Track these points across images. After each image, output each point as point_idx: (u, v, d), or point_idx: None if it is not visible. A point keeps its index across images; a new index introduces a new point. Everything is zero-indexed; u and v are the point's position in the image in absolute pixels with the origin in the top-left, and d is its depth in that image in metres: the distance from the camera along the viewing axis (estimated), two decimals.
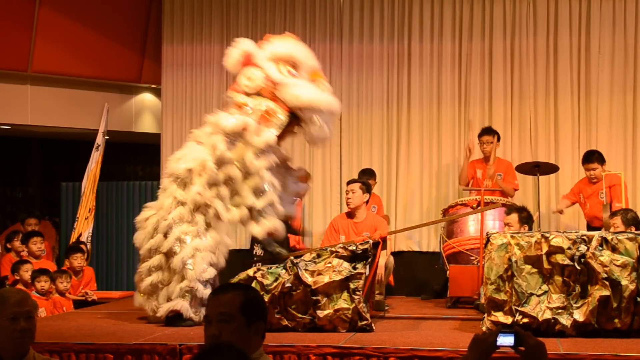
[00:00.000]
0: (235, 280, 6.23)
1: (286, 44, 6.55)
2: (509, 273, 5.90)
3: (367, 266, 6.27)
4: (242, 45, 6.62)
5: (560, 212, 8.87)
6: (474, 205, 8.10)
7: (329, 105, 6.50)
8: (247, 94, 6.49)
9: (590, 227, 8.37)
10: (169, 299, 6.37)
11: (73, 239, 9.66)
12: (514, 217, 7.07)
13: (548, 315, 5.81)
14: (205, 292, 6.31)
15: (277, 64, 6.49)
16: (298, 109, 6.42)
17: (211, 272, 6.42)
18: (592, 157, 8.55)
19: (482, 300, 6.27)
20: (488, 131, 8.96)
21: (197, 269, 6.32)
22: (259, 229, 6.43)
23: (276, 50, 6.51)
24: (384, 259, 7.46)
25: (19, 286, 7.73)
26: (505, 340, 2.69)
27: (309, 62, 6.56)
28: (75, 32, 10.10)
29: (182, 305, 6.30)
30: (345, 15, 10.01)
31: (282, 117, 6.43)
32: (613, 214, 7.23)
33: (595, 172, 8.46)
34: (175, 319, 6.33)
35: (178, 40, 10.37)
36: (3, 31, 9.68)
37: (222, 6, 10.29)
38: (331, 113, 6.65)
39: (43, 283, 7.66)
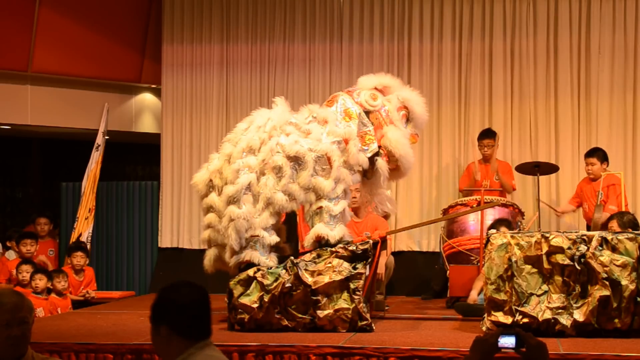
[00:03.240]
0: (235, 280, 6.24)
1: (419, 100, 6.80)
2: (509, 273, 5.91)
3: (367, 266, 6.27)
4: (385, 80, 6.84)
5: (559, 214, 8.87)
6: (474, 205, 8.10)
7: (407, 169, 6.79)
8: (363, 109, 6.62)
9: (589, 228, 8.36)
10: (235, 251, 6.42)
11: (73, 239, 9.66)
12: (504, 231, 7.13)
13: (548, 315, 5.81)
14: (270, 238, 6.37)
15: (401, 108, 6.72)
16: (389, 151, 6.58)
17: (272, 219, 6.42)
18: (593, 152, 8.55)
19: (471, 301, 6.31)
20: (489, 134, 8.97)
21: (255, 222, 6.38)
22: (333, 234, 6.41)
23: (409, 98, 6.77)
24: (384, 258, 7.46)
25: (18, 286, 7.75)
26: (507, 342, 2.70)
27: (420, 127, 6.92)
28: (75, 32, 10.09)
29: (252, 254, 6.33)
30: (345, 15, 10.01)
31: (374, 146, 6.58)
32: (610, 218, 7.21)
33: (593, 167, 8.44)
34: (248, 267, 6.35)
35: (178, 40, 10.38)
36: (3, 31, 9.68)
37: (222, 6, 10.29)
38: (405, 174, 6.94)
39: (38, 281, 7.64)
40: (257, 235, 6.33)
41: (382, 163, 6.60)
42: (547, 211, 9.24)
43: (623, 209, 7.98)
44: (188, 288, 3.02)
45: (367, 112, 6.61)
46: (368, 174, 6.69)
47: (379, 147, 6.60)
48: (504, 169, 8.95)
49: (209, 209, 6.58)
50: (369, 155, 6.55)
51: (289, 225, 7.34)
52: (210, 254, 6.59)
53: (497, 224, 7.26)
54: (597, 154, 8.50)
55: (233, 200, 6.32)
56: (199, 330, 2.97)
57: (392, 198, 7.31)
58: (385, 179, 6.69)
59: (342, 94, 6.75)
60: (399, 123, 6.64)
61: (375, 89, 6.74)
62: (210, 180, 6.56)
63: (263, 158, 6.41)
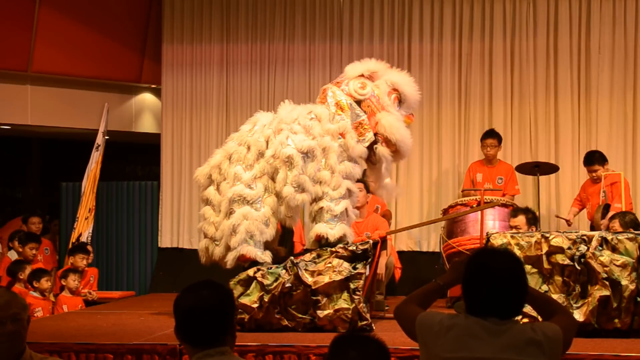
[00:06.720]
0: (235, 280, 6.24)
1: (408, 81, 6.86)
2: None
3: (367, 266, 6.27)
4: (371, 65, 6.85)
5: (568, 223, 8.79)
6: (474, 205, 8.09)
7: (406, 151, 6.82)
8: (354, 99, 6.64)
9: (593, 228, 8.33)
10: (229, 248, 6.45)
11: (73, 239, 9.65)
12: (521, 219, 7.02)
13: None
14: (265, 233, 6.41)
15: (391, 92, 6.75)
16: (386, 137, 6.61)
17: (267, 212, 6.44)
18: (593, 159, 8.51)
19: None
20: (492, 134, 8.96)
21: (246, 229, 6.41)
22: (333, 233, 6.43)
23: (398, 81, 6.80)
24: (384, 258, 7.46)
25: (19, 286, 7.75)
26: None
27: (414, 106, 6.94)
28: (75, 32, 10.09)
29: (248, 249, 6.35)
30: (345, 15, 10.02)
31: (370, 135, 6.63)
32: (612, 218, 7.20)
33: (597, 173, 8.43)
34: (250, 267, 6.36)
35: (178, 40, 10.38)
36: (3, 31, 9.68)
37: (222, 6, 10.29)
38: (405, 155, 6.97)
39: (43, 282, 7.67)
40: (251, 230, 6.37)
41: (383, 150, 6.64)
42: (547, 211, 9.24)
43: (625, 208, 7.97)
44: (193, 291, 2.79)
45: (359, 102, 6.64)
46: (372, 161, 6.72)
47: (375, 134, 6.64)
48: (507, 172, 8.94)
49: (206, 202, 6.77)
50: (366, 144, 6.59)
51: (282, 230, 7.34)
52: (201, 245, 6.80)
53: (518, 212, 7.19)
54: (597, 158, 8.46)
55: (245, 201, 6.40)
56: (200, 337, 2.73)
57: (394, 184, 7.32)
58: (389, 164, 6.73)
59: (331, 86, 6.79)
60: (391, 108, 6.67)
61: (362, 76, 6.74)
62: (210, 174, 6.72)
63: (273, 153, 6.45)
